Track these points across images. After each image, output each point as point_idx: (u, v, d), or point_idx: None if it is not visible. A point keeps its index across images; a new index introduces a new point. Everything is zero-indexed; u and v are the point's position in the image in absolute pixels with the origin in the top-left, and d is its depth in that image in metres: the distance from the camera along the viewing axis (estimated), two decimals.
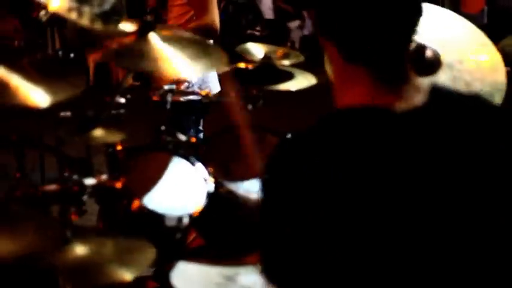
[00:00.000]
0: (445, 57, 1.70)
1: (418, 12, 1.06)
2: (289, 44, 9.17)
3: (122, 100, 2.20)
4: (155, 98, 2.36)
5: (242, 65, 2.46)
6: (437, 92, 1.07)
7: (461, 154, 1.01)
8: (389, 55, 1.05)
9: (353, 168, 0.97)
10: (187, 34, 2.09)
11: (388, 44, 1.04)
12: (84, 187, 2.09)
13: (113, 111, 2.20)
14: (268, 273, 1.02)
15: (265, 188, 1.04)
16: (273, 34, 8.91)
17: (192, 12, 2.78)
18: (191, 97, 2.52)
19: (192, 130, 2.68)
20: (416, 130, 1.02)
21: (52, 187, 2.03)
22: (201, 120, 2.82)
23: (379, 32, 1.03)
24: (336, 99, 1.10)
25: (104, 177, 2.07)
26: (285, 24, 9.25)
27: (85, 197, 2.08)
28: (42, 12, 1.85)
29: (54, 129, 1.88)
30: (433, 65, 1.68)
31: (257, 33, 8.95)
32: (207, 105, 2.67)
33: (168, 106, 2.34)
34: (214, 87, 2.85)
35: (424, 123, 1.02)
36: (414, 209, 0.97)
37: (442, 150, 1.00)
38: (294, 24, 9.37)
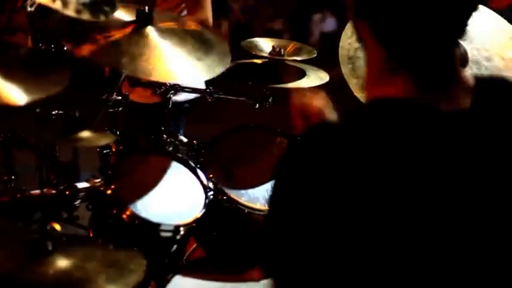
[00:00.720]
0: (472, 54, 1.63)
1: (471, 8, 0.94)
2: (311, 41, 8.89)
3: (119, 98, 2.07)
4: (156, 98, 2.21)
5: (258, 61, 2.31)
6: (485, 90, 0.98)
7: (502, 166, 0.93)
8: (436, 58, 0.95)
9: (386, 170, 0.89)
10: (186, 24, 1.93)
11: (434, 46, 0.94)
12: (76, 191, 1.97)
13: (110, 110, 2.07)
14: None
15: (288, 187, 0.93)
16: (295, 29, 8.64)
17: (183, 6, 2.60)
18: (177, 97, 2.37)
19: (181, 131, 2.50)
20: (459, 135, 0.93)
21: (41, 191, 1.92)
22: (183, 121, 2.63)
23: (424, 32, 0.92)
24: (369, 91, 1.00)
25: (97, 181, 1.94)
26: (310, 16, 8.94)
27: (77, 202, 1.97)
28: (28, 2, 1.73)
29: (36, 128, 1.75)
30: (459, 62, 1.57)
31: (276, 27, 8.70)
32: (190, 106, 2.51)
33: (170, 105, 2.19)
34: (200, 83, 2.62)
35: (468, 128, 0.94)
36: (446, 220, 0.90)
37: (482, 159, 0.93)
38: (316, 16, 9.08)
